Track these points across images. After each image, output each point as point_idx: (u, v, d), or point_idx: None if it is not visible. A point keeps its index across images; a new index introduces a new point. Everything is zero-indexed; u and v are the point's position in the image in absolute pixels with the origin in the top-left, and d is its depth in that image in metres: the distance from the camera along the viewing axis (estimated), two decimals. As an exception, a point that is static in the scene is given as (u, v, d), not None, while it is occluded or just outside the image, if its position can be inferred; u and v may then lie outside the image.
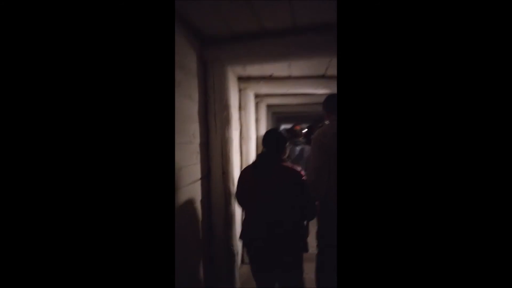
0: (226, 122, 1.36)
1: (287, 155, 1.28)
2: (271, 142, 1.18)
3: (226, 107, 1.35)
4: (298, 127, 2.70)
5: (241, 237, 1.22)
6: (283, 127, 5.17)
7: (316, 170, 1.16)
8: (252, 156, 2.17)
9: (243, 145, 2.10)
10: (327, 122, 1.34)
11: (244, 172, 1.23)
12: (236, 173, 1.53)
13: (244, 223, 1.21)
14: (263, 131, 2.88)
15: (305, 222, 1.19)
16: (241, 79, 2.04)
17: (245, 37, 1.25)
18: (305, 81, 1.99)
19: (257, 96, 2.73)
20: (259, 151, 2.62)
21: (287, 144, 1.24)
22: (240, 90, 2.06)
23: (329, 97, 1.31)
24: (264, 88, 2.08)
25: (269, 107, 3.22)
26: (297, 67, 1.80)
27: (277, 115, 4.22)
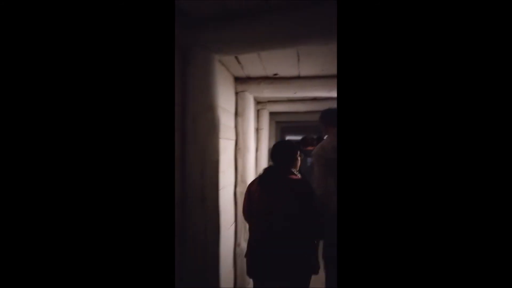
0: (210, 128, 0.99)
1: (298, 168, 1.18)
2: (278, 155, 1.12)
3: (210, 109, 0.99)
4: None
5: (246, 255, 1.12)
6: (288, 139, 4.79)
7: (320, 186, 1.14)
8: (250, 172, 1.79)
9: (239, 158, 1.72)
10: (325, 136, 1.35)
11: (251, 186, 1.16)
12: (224, 198, 1.18)
13: (249, 241, 1.12)
14: (265, 142, 2.56)
15: (315, 241, 1.11)
16: (239, 79, 1.70)
17: (239, 14, 0.90)
18: (317, 82, 1.62)
19: (259, 102, 2.40)
20: (261, 166, 2.31)
21: (300, 155, 1.17)
22: (236, 93, 1.71)
23: (326, 111, 1.34)
24: (267, 91, 1.72)
25: (272, 115, 2.85)
26: (308, 64, 1.44)
27: (282, 124, 3.84)
